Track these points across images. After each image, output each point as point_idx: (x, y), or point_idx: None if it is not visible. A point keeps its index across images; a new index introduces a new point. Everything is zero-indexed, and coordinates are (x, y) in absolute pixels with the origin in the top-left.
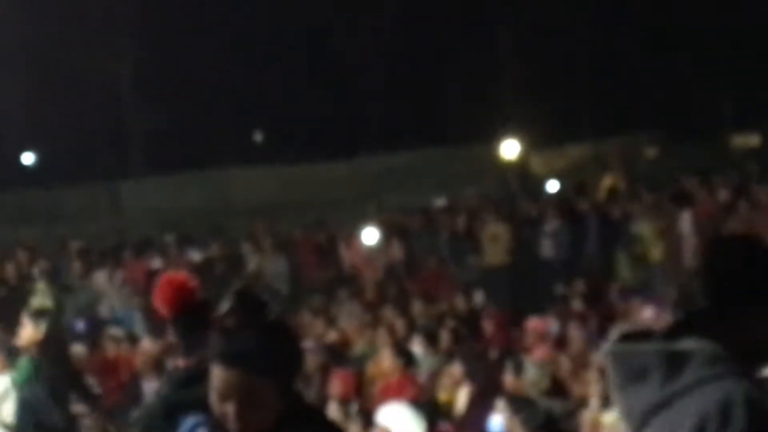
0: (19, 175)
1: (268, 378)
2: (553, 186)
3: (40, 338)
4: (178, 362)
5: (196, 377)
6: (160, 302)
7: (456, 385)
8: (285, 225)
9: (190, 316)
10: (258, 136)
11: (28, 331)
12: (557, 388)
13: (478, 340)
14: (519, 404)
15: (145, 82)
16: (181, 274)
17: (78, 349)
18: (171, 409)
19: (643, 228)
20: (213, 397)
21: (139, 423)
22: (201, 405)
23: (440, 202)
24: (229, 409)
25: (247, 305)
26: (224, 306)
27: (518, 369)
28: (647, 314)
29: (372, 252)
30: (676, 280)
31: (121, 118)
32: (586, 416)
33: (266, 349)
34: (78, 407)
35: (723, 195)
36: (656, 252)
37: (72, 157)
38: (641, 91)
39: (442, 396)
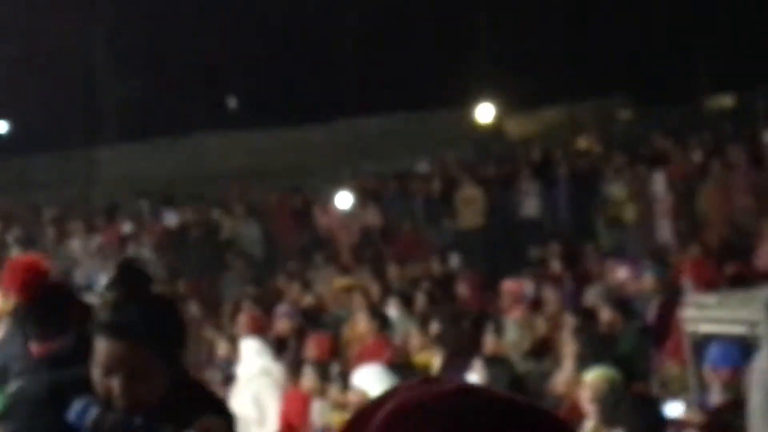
0: None
1: (155, 350)
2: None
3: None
4: (32, 349)
5: (65, 360)
6: (8, 286)
7: (430, 346)
8: (259, 191)
9: (44, 300)
10: (232, 102)
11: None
12: (537, 348)
13: (454, 302)
14: (491, 364)
15: (117, 50)
16: (31, 256)
17: None
18: (57, 393)
19: (616, 189)
20: (96, 373)
21: (15, 412)
22: (87, 385)
23: (421, 167)
24: (115, 383)
25: (131, 278)
26: (108, 279)
27: (498, 329)
28: (622, 275)
29: (347, 217)
30: (649, 240)
31: (93, 85)
32: (560, 377)
33: (151, 321)
34: None
35: (697, 156)
36: (629, 213)
37: (45, 124)
38: (615, 54)
39: (418, 358)
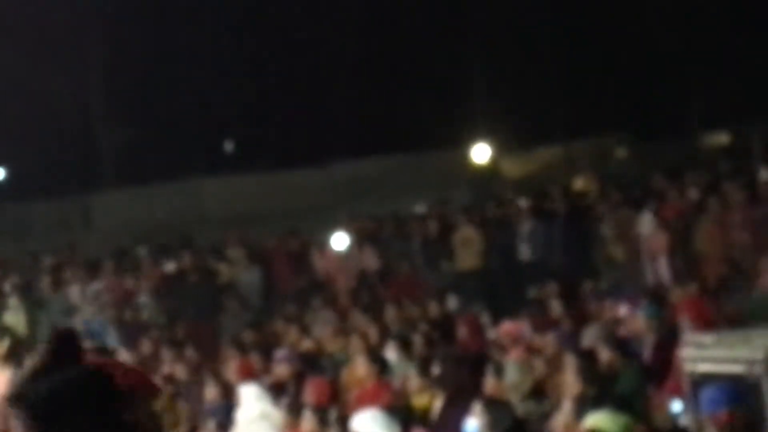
0: None
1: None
2: (518, 187)
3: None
4: None
5: None
6: None
7: (429, 389)
8: (257, 234)
9: None
10: (228, 146)
11: None
12: (536, 390)
13: (452, 344)
14: (491, 407)
15: (113, 94)
16: None
17: None
18: None
19: (608, 228)
20: None
21: None
22: None
23: (419, 208)
24: None
25: (61, 347)
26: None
27: (499, 371)
28: (621, 313)
29: (344, 259)
30: (638, 280)
31: (90, 131)
32: (560, 418)
33: (62, 396)
34: None
35: (693, 193)
36: (617, 252)
37: (42, 171)
38: (611, 92)
39: (417, 401)
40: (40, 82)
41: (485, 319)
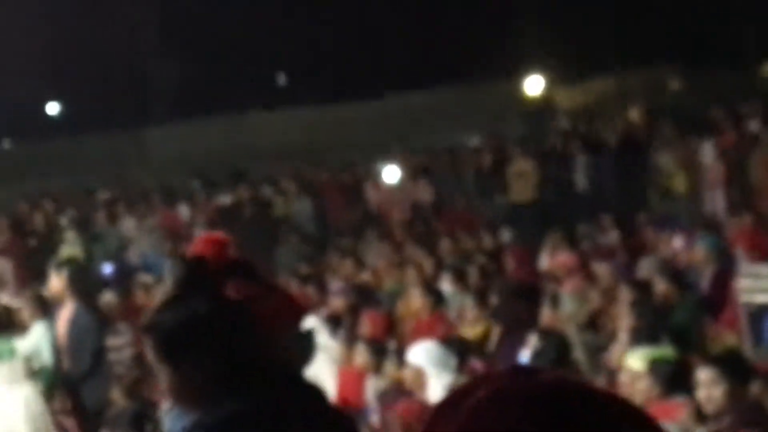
0: (44, 125)
1: (192, 363)
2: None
3: (63, 287)
4: None
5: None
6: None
7: (485, 320)
8: (310, 167)
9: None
10: (281, 79)
11: (55, 282)
12: (592, 321)
13: (504, 276)
14: (545, 338)
15: (165, 28)
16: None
17: (108, 297)
18: None
19: (666, 160)
20: None
21: None
22: None
23: (473, 140)
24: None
25: (191, 276)
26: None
27: (555, 302)
28: (676, 245)
29: (397, 191)
30: (700, 211)
31: (143, 65)
32: (615, 350)
33: (191, 327)
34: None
35: (751, 125)
36: (679, 183)
37: (96, 105)
38: (665, 23)
39: (473, 333)
40: (93, 18)
41: (540, 251)
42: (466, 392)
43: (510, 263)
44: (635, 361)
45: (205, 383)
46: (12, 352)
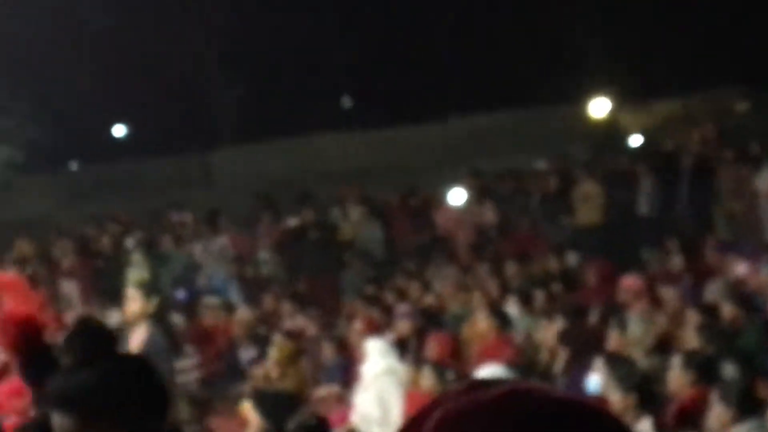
0: (111, 147)
1: (110, 422)
2: (638, 141)
3: (149, 310)
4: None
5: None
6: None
7: (552, 346)
8: (375, 190)
9: (37, 359)
10: (346, 102)
11: (137, 304)
12: (659, 344)
13: (575, 297)
14: (616, 363)
15: (230, 51)
16: (26, 308)
17: (176, 319)
18: None
19: (726, 183)
20: None
21: None
22: None
23: (539, 163)
24: None
25: (88, 337)
26: (63, 340)
27: (622, 326)
28: (741, 269)
29: (462, 214)
30: (756, 235)
31: (208, 88)
32: (671, 375)
33: (106, 388)
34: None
35: None
36: (735, 208)
37: (162, 128)
38: (730, 44)
39: (540, 356)
40: (159, 41)
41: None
42: (424, 415)
43: (590, 279)
44: None
45: None
46: None
